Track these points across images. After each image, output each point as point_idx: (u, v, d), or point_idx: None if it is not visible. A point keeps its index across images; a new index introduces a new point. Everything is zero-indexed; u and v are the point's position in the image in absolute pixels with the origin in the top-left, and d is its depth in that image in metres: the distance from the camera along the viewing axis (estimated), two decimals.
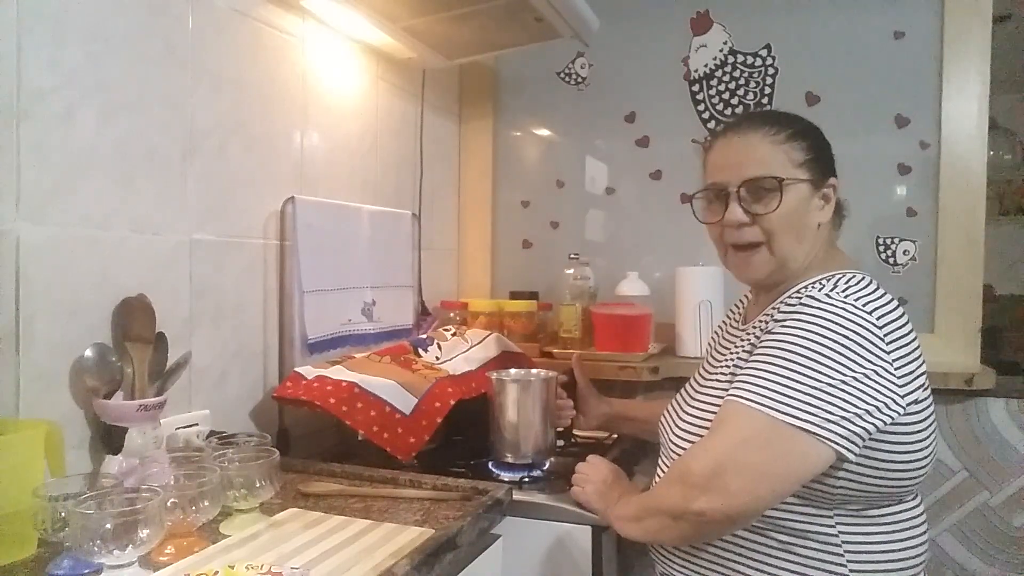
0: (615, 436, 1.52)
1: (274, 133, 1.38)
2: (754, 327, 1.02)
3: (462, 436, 1.44)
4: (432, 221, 1.96)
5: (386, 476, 1.14)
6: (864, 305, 0.90)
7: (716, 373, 1.05)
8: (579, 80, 2.04)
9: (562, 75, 2.06)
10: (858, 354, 0.87)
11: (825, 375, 0.86)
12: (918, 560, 0.96)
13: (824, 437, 0.84)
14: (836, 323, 0.88)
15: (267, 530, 0.93)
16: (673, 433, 1.05)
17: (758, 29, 1.86)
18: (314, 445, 1.42)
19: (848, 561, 0.91)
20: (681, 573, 1.01)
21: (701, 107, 1.92)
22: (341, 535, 0.91)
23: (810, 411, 0.84)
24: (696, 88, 1.93)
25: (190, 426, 1.15)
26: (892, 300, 0.94)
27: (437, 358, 1.53)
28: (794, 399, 0.85)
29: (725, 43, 1.89)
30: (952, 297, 1.71)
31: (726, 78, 1.90)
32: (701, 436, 0.99)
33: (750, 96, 1.88)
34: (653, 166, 1.98)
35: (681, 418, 1.05)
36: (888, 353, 0.88)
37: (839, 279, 0.96)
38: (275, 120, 1.38)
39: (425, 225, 1.89)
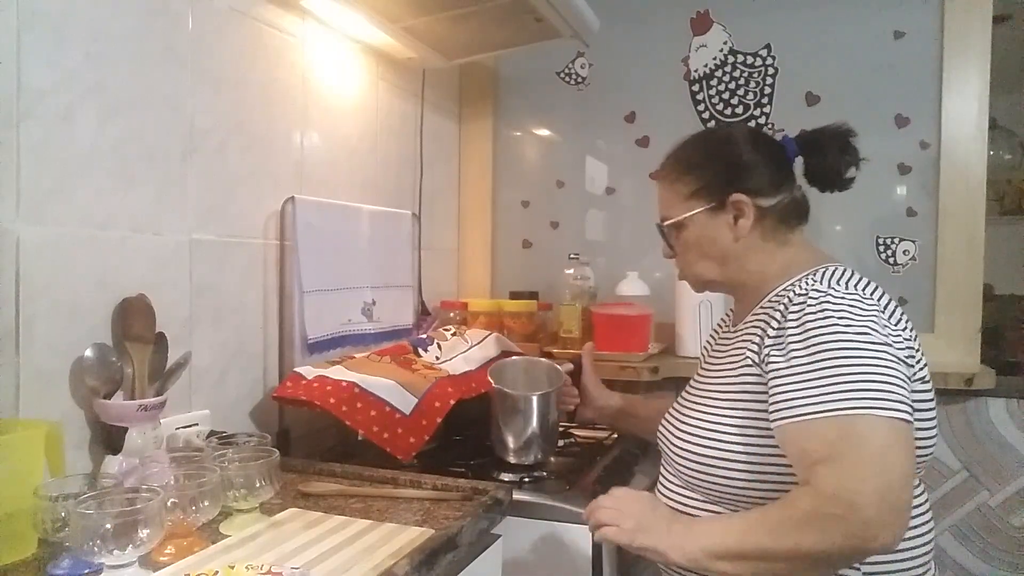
0: (615, 436, 1.51)
1: (274, 133, 1.38)
2: (747, 332, 1.01)
3: (462, 436, 1.44)
4: (432, 221, 1.96)
5: (386, 476, 1.14)
6: (863, 289, 0.93)
7: (710, 379, 1.05)
8: (579, 80, 2.04)
9: (562, 75, 2.06)
10: (882, 335, 0.88)
11: (877, 360, 0.85)
12: (926, 551, 0.95)
13: (910, 421, 0.84)
14: (853, 310, 0.89)
15: (267, 530, 0.93)
16: (675, 438, 1.05)
17: (758, 29, 1.86)
18: (314, 445, 1.42)
19: None
20: None
21: (701, 107, 1.92)
22: (341, 535, 0.91)
23: (899, 400, 0.84)
24: (696, 88, 1.93)
25: (190, 426, 1.15)
26: (878, 287, 0.97)
27: (437, 358, 1.53)
28: (891, 392, 0.84)
29: (725, 43, 1.89)
30: (952, 297, 1.71)
31: (726, 78, 1.90)
32: (704, 441, 0.98)
33: (750, 96, 1.88)
34: (653, 166, 1.93)
35: (682, 424, 1.05)
36: (894, 335, 0.90)
37: (825, 272, 0.97)
38: (275, 120, 1.38)
39: (425, 225, 1.89)
